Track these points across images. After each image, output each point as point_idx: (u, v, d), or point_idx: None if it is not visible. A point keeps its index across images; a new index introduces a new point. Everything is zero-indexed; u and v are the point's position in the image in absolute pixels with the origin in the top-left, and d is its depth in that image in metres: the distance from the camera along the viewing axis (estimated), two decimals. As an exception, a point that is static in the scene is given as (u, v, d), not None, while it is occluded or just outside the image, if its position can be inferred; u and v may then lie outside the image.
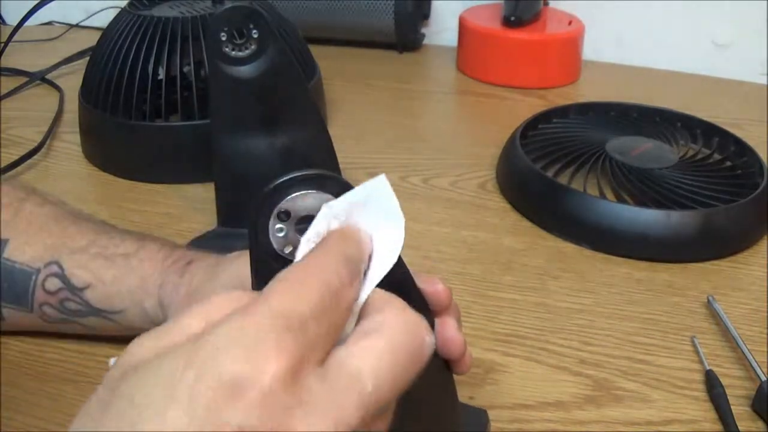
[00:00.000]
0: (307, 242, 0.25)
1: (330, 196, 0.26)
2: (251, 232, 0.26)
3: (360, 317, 0.23)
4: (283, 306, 0.20)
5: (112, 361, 0.21)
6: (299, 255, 0.24)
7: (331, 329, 0.21)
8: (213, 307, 0.22)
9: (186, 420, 0.18)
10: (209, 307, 0.22)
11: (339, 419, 0.19)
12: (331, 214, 0.25)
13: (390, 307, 0.23)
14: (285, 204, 0.26)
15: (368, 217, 0.25)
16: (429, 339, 0.22)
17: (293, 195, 0.26)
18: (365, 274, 0.24)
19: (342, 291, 0.22)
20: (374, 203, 0.25)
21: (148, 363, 0.19)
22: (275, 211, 0.26)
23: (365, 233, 0.25)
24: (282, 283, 0.21)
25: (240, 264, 0.38)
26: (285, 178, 0.26)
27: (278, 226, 0.26)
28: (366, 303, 0.23)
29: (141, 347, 0.21)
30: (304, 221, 0.26)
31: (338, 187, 0.26)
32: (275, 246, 0.26)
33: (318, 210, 0.26)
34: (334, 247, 0.23)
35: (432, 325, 0.31)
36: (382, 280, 0.25)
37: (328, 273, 0.22)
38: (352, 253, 0.24)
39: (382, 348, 0.21)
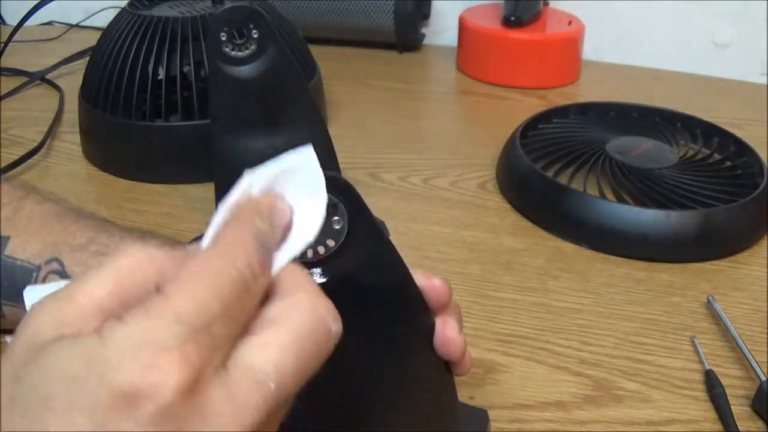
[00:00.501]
0: (224, 210, 0.23)
1: (330, 196, 0.26)
2: None
3: (266, 299, 0.22)
4: (191, 306, 0.19)
5: (8, 339, 0.20)
6: (213, 224, 0.23)
7: (237, 326, 0.20)
8: (126, 271, 0.21)
9: (88, 426, 0.17)
10: (120, 271, 0.21)
11: (241, 425, 0.19)
12: (252, 180, 0.24)
13: (296, 290, 0.22)
14: None
15: (291, 188, 0.24)
16: (335, 327, 0.21)
17: None
18: (280, 247, 0.23)
19: (253, 284, 0.21)
20: (299, 174, 0.24)
21: (53, 350, 0.19)
22: None
23: (285, 204, 0.24)
24: (193, 275, 0.20)
25: None
26: None
27: None
28: (273, 283, 0.22)
29: (43, 316, 0.20)
30: None
31: (338, 186, 0.26)
32: None
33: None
34: (246, 224, 0.22)
35: (432, 326, 0.31)
36: (382, 281, 0.25)
37: (240, 263, 0.20)
38: (263, 229, 0.22)
39: (286, 341, 0.20)
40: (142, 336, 0.18)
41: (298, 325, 0.21)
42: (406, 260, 0.29)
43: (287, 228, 0.23)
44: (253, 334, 0.20)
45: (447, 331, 0.31)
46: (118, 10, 0.71)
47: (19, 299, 0.43)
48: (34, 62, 0.93)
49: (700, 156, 0.68)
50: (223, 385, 0.19)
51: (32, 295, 0.23)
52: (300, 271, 0.22)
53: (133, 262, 0.21)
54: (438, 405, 0.34)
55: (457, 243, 0.59)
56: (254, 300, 0.21)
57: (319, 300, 0.21)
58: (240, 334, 0.20)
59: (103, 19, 0.89)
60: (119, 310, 0.20)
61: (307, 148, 0.24)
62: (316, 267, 0.27)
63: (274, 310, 0.21)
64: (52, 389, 0.18)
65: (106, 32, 0.70)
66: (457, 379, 0.34)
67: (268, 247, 0.22)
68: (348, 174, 0.25)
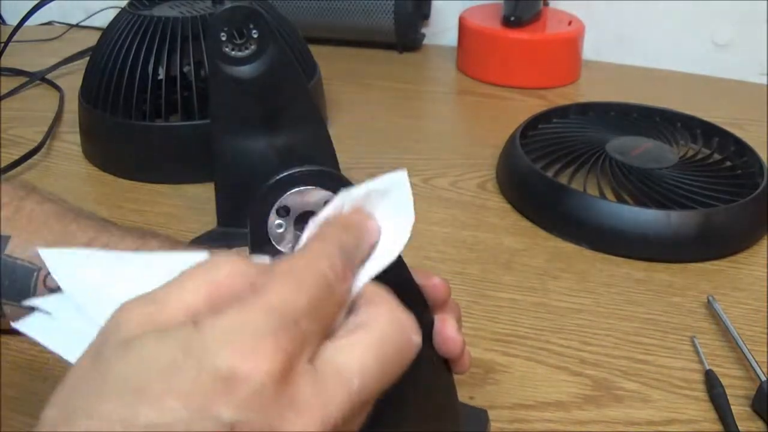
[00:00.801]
0: (314, 224, 0.24)
1: (330, 193, 0.26)
2: (251, 227, 0.26)
3: (350, 309, 0.23)
4: (281, 301, 0.20)
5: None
6: (303, 236, 0.24)
7: (323, 324, 0.21)
8: (220, 282, 0.21)
9: (183, 411, 0.18)
10: (214, 281, 0.21)
11: (326, 417, 0.19)
12: (347, 199, 0.25)
13: (381, 301, 0.23)
14: (285, 200, 0.26)
15: (382, 208, 0.25)
16: (416, 339, 0.23)
17: (293, 191, 0.26)
18: (365, 264, 0.24)
19: (336, 285, 0.22)
20: (391, 195, 0.25)
21: (145, 341, 0.19)
22: (275, 207, 0.26)
23: (374, 222, 0.25)
24: (281, 275, 0.21)
25: None
26: (286, 174, 0.26)
27: (278, 221, 0.26)
28: (358, 295, 0.23)
29: (133, 315, 0.20)
30: (304, 217, 0.26)
31: (338, 183, 0.26)
32: (274, 241, 0.27)
33: (318, 206, 0.26)
34: (333, 237, 0.23)
35: (431, 323, 0.31)
36: (383, 279, 0.25)
37: (324, 265, 0.22)
38: (349, 243, 0.23)
39: (370, 344, 0.21)
40: (238, 325, 0.19)
41: (383, 331, 0.22)
42: (406, 260, 0.29)
43: (374, 246, 0.24)
44: (339, 338, 0.21)
45: (446, 329, 0.32)
46: (118, 10, 0.71)
47: (20, 299, 0.43)
48: (34, 62, 0.93)
49: (700, 156, 0.68)
50: (312, 379, 0.20)
51: (49, 256, 0.24)
52: (382, 287, 0.23)
53: (227, 274, 0.21)
54: (438, 404, 0.34)
55: (457, 243, 0.59)
56: (338, 303, 0.22)
57: (402, 312, 0.23)
58: (326, 338, 0.21)
59: (103, 19, 0.89)
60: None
61: (401, 170, 0.25)
62: None
63: (359, 317, 0.22)
64: (143, 379, 0.18)
65: (106, 32, 0.70)
66: (457, 379, 0.34)
67: (352, 259, 0.23)
68: (348, 174, 0.25)
